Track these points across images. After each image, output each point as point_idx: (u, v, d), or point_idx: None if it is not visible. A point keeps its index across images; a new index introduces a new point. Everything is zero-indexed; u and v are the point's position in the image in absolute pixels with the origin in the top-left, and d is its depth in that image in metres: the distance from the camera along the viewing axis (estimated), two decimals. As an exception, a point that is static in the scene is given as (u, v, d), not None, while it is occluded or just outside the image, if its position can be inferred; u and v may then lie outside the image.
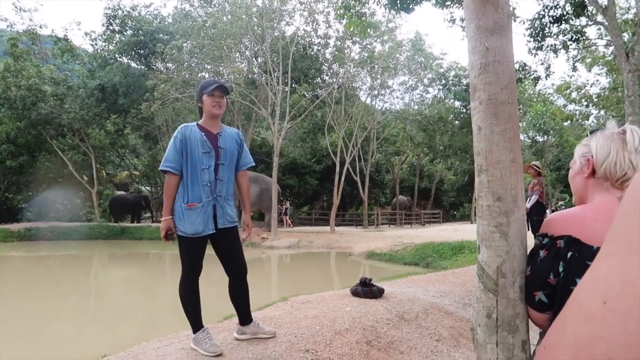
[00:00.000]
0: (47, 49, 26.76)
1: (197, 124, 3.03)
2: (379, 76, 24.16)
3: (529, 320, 1.47)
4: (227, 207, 3.03)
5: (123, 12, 25.48)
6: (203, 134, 2.97)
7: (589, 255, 1.16)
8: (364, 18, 10.27)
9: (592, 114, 28.41)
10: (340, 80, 22.48)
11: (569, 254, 1.21)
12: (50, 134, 25.74)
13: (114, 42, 25.90)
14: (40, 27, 25.07)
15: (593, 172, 1.32)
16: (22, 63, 24.33)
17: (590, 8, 10.80)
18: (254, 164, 3.36)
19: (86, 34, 26.51)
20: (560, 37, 12.13)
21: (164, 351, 2.98)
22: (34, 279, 12.44)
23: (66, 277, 13.05)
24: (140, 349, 3.11)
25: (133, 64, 26.29)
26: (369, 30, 16.31)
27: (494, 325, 1.49)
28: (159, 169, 2.99)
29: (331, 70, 25.11)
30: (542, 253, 1.32)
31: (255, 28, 19.69)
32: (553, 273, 1.26)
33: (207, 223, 2.91)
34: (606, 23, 10.10)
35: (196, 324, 2.90)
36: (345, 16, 10.20)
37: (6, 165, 25.32)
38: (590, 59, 21.71)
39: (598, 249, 0.43)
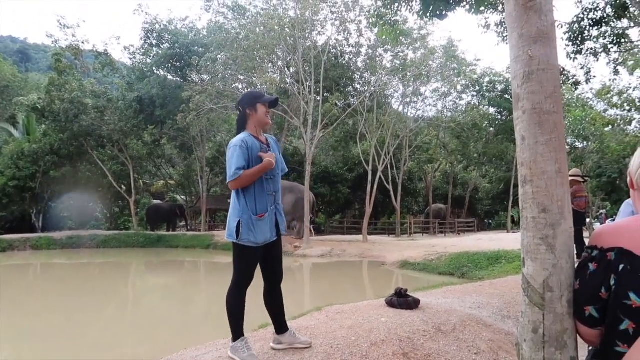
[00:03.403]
0: (88, 64, 27.73)
1: (250, 134, 3.00)
2: (411, 84, 24.00)
3: (578, 337, 1.42)
4: (282, 215, 3.11)
5: (160, 26, 26.23)
6: (259, 143, 2.98)
7: None
8: (396, 26, 10.24)
9: (634, 118, 27.40)
10: (372, 88, 22.44)
11: (621, 267, 1.17)
12: (91, 145, 26.66)
13: (152, 55, 26.67)
14: (83, 42, 25.91)
15: (632, 184, 1.29)
16: (66, 77, 25.33)
17: (632, 9, 10.45)
18: (287, 170, 3.41)
19: (125, 48, 27.33)
20: (601, 40, 11.77)
21: (202, 359, 3.01)
22: (75, 286, 12.88)
23: (105, 285, 13.42)
24: (178, 357, 3.15)
25: (169, 77, 26.98)
26: (401, 38, 16.26)
27: (541, 340, 1.45)
28: (229, 180, 2.81)
29: (363, 79, 25.10)
30: (591, 266, 1.27)
31: (288, 39, 19.91)
32: (604, 287, 1.22)
33: (272, 230, 2.99)
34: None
35: (238, 333, 2.93)
36: (378, 24, 10.20)
37: (50, 175, 26.36)
38: (632, 62, 20.97)
39: None
